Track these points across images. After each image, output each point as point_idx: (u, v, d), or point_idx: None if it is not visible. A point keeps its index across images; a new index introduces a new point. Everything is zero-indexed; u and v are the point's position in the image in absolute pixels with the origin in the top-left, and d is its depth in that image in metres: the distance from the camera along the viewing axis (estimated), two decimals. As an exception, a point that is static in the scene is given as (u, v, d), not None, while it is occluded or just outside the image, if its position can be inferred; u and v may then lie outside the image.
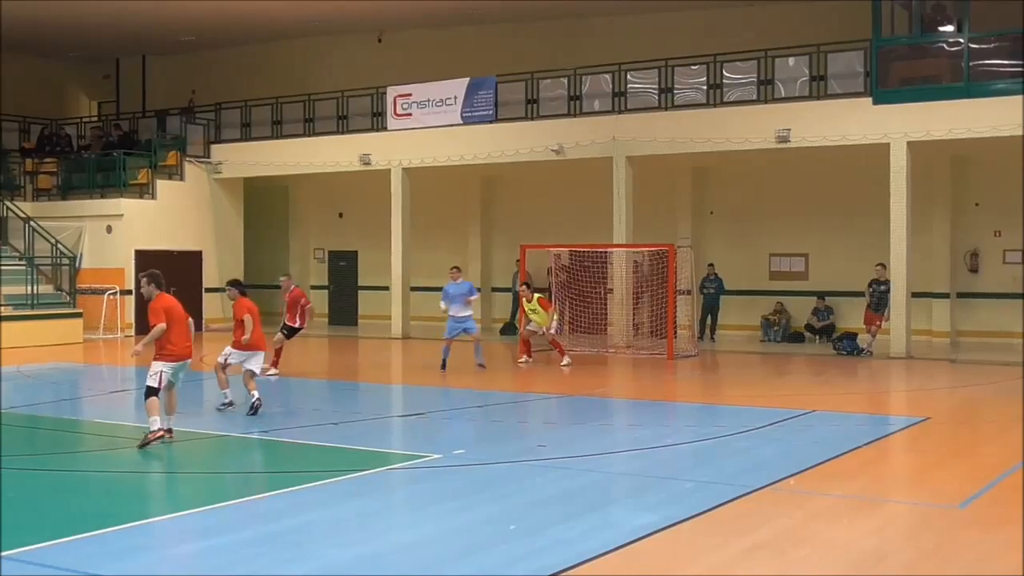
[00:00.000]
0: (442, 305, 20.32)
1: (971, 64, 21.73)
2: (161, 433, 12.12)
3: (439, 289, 31.02)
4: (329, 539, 8.12)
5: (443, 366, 19.92)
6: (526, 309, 21.49)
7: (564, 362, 20.83)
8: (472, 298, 20.38)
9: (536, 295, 21.45)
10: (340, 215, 33.13)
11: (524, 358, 21.51)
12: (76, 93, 37.76)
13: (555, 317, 21.64)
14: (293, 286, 19.81)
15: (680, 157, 25.01)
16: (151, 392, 12.23)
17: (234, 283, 16.15)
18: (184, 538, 8.19)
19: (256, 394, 14.31)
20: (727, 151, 23.85)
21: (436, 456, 11.40)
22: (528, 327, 21.52)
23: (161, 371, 12.29)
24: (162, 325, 12.26)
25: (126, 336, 27.84)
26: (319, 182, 31.61)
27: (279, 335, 19.27)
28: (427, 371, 20.30)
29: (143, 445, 11.98)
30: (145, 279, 12.63)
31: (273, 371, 18.68)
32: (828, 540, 8.18)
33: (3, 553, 7.49)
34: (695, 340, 24.26)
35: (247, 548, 7.93)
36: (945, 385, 18.69)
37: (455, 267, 21.43)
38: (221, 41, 33.17)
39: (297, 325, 19.29)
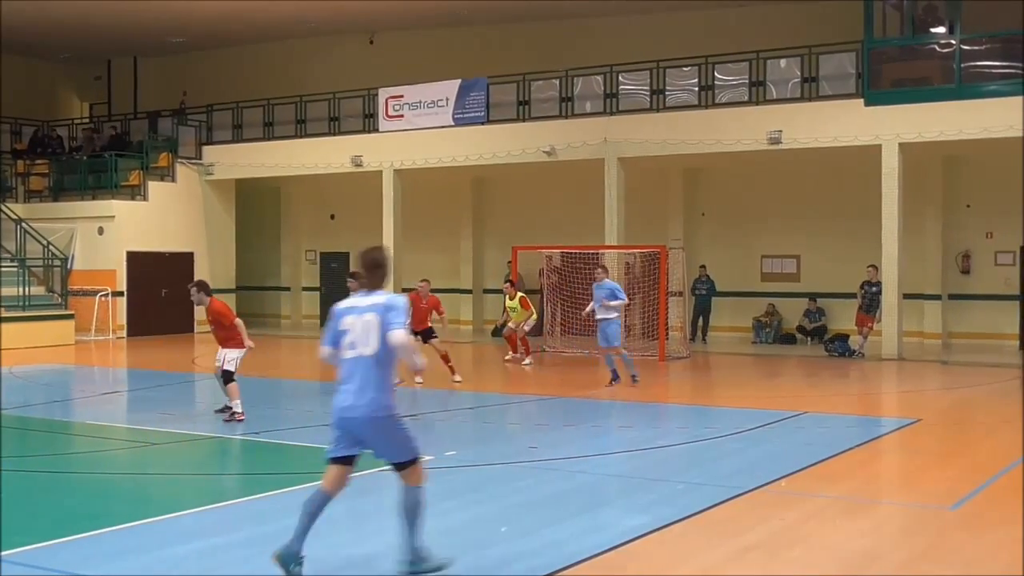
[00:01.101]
0: (587, 309, 18.70)
1: (963, 66, 21.77)
2: (243, 414, 13.85)
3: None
4: (322, 540, 8.11)
5: (614, 378, 17.81)
6: (507, 306, 21.78)
7: (526, 361, 20.99)
8: (613, 303, 17.68)
9: (519, 294, 21.72)
10: (332, 216, 33.11)
11: (510, 355, 21.80)
12: (68, 95, 37.70)
13: (532, 318, 21.84)
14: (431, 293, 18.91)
15: (672, 158, 25.04)
16: (231, 377, 14.01)
17: (355, 275, 16.24)
18: (177, 539, 8.17)
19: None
20: (719, 152, 23.88)
21: (428, 458, 11.31)
22: (508, 324, 21.85)
23: (237, 358, 14.12)
24: (239, 320, 14.31)
25: (118, 338, 27.81)
26: (311, 183, 31.59)
27: (435, 341, 18.37)
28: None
29: (229, 420, 13.75)
30: (195, 288, 14.39)
31: (458, 378, 18.17)
32: (820, 541, 8.20)
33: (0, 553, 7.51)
34: (687, 342, 24.28)
35: (240, 549, 7.93)
36: (937, 387, 18.73)
37: (600, 266, 19.25)
38: (212, 42, 33.13)
39: (420, 329, 18.28)
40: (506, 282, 22.76)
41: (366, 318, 6.88)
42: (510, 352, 21.90)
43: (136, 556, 7.75)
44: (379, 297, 6.99)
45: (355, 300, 7.08)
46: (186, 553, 7.81)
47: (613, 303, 17.64)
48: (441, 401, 16.30)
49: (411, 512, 7.17)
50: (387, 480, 10.64)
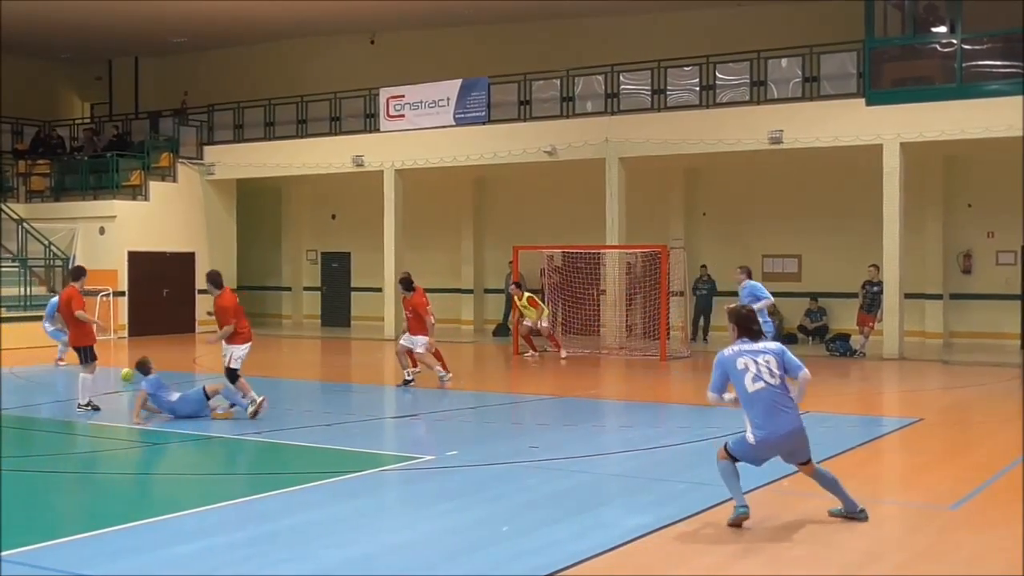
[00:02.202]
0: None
1: (964, 65, 21.75)
2: (265, 400, 14.14)
3: (430, 290, 31.14)
4: (323, 540, 8.12)
5: None
6: (519, 307, 22.55)
7: (562, 355, 21.91)
8: (756, 305, 15.93)
9: (526, 294, 22.50)
10: (333, 216, 33.12)
11: (531, 353, 22.47)
12: (69, 95, 37.72)
13: (546, 314, 22.69)
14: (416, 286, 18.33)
15: (673, 158, 25.01)
16: (236, 375, 14.23)
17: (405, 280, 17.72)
18: (178, 539, 8.17)
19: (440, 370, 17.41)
20: (720, 152, 23.86)
21: (429, 457, 11.40)
22: (524, 323, 22.56)
23: (242, 356, 14.31)
24: (230, 327, 14.24)
25: (119, 337, 27.80)
26: (312, 183, 31.60)
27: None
28: (419, 373, 20.27)
29: (255, 415, 13.92)
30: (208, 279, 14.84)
31: (448, 375, 17.65)
32: (821, 541, 8.18)
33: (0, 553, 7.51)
34: (688, 341, 24.26)
35: (241, 549, 7.93)
36: (938, 386, 18.72)
37: (740, 266, 18.38)
38: (213, 42, 33.14)
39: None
40: (512, 285, 23.12)
41: (764, 359, 8.58)
42: (531, 352, 22.51)
43: (136, 556, 7.75)
44: (769, 344, 8.80)
45: (743, 346, 8.67)
46: (186, 553, 7.81)
47: (756, 306, 15.68)
48: (442, 401, 16.29)
49: (832, 486, 8.66)
50: (386, 480, 10.67)
